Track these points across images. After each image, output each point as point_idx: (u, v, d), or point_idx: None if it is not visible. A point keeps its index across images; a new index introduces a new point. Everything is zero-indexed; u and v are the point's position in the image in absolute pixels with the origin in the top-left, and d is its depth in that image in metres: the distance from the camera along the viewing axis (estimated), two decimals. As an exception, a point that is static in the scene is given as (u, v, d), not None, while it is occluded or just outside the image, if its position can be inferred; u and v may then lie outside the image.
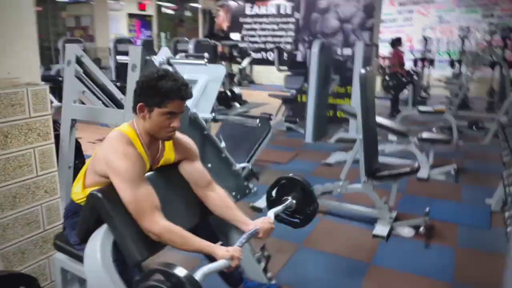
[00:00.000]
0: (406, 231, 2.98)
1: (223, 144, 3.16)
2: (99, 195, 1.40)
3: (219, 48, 8.18)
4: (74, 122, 2.76)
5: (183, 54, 3.52)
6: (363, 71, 3.01)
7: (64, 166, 2.78)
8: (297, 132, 6.14)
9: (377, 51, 7.20)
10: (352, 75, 5.91)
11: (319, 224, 3.12)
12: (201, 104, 3.08)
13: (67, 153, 2.78)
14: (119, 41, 7.15)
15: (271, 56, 12.17)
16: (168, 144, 1.68)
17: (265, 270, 1.93)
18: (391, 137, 4.94)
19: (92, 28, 10.65)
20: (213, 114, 2.98)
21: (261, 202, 3.37)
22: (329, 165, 4.54)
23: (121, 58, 3.72)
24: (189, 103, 2.98)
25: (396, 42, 7.79)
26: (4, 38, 1.78)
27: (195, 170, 1.73)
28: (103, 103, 2.86)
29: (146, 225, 1.42)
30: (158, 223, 1.43)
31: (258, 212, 3.29)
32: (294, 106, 6.60)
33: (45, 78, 4.50)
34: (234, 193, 3.39)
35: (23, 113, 1.88)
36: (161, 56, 3.02)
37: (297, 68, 6.81)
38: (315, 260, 2.67)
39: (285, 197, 1.93)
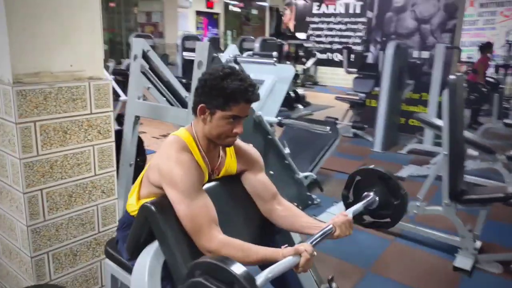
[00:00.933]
0: (493, 266, 2.57)
1: (287, 150, 2.94)
2: (152, 207, 1.23)
3: (285, 48, 7.95)
4: (137, 118, 2.68)
5: (250, 52, 3.34)
6: (453, 76, 2.65)
7: (126, 163, 2.71)
8: (364, 139, 5.76)
9: (459, 56, 6.58)
10: (429, 81, 5.44)
11: (389, 247, 2.80)
12: (267, 106, 2.88)
13: (129, 150, 2.71)
14: (186, 38, 7.16)
15: (337, 57, 11.77)
16: (230, 152, 1.48)
17: (332, 304, 1.67)
18: (472, 152, 4.43)
19: (162, 24, 10.90)
20: (279, 118, 2.76)
21: (325, 216, 3.11)
22: (401, 179, 4.14)
23: (187, 55, 3.61)
24: (254, 105, 2.79)
25: (486, 48, 7.08)
26: (66, 28, 1.68)
27: (258, 183, 1.51)
28: (167, 100, 2.76)
29: (203, 243, 1.23)
30: (215, 239, 1.23)
31: (321, 226, 3.03)
32: (362, 111, 6.21)
33: (116, 72, 4.58)
34: (295, 204, 3.15)
35: (84, 108, 1.78)
36: (228, 54, 2.86)
37: (367, 70, 6.40)
38: (385, 290, 2.37)
39: (365, 194, 1.62)
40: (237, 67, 3.03)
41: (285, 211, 1.50)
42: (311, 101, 8.33)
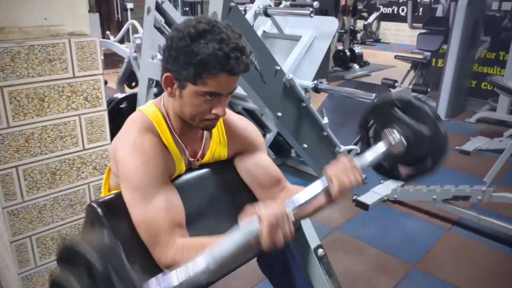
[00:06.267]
0: None
1: (325, 120, 2.51)
2: (99, 210, 0.92)
3: (342, 1, 7.20)
4: (151, 82, 2.39)
5: (288, 2, 2.87)
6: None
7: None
8: (426, 104, 5.09)
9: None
10: (509, 38, 4.63)
11: (443, 238, 2.34)
12: (303, 67, 2.44)
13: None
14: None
15: (403, 11, 10.65)
16: (218, 133, 1.13)
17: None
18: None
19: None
20: (315, 82, 2.32)
21: (369, 197, 2.70)
22: (466, 153, 3.55)
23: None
24: (286, 65, 2.38)
25: None
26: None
27: (256, 166, 1.15)
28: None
29: (157, 255, 0.92)
30: (172, 246, 0.92)
31: (362, 209, 2.64)
32: (426, 72, 5.49)
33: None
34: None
35: (65, 71, 1.50)
36: (258, 4, 2.43)
37: (435, 25, 5.57)
38: (434, 293, 1.96)
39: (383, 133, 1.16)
40: (270, 21, 2.61)
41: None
42: (370, 60, 7.63)
